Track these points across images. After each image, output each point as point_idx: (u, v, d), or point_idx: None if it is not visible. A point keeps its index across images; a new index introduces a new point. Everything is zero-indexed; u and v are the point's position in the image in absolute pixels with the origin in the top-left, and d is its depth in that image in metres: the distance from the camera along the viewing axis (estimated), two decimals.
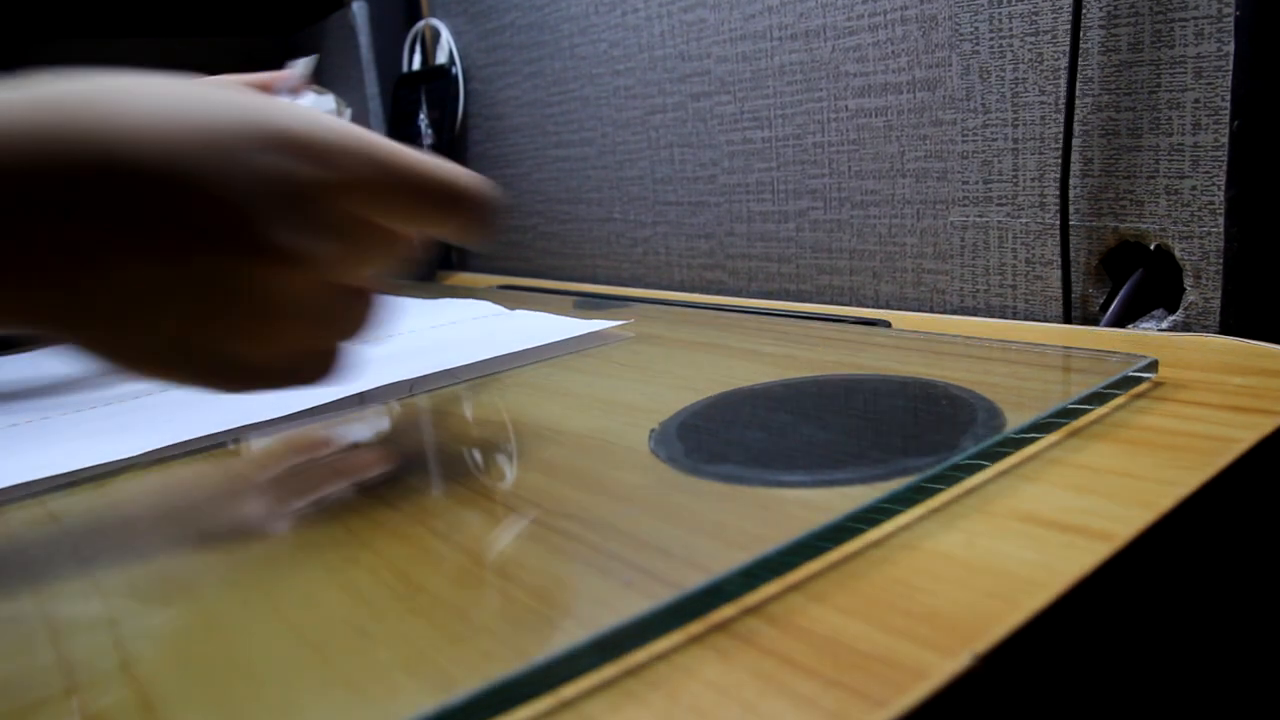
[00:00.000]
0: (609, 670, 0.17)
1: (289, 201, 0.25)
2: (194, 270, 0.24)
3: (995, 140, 0.46)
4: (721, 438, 0.29)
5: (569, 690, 0.16)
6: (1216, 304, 0.39)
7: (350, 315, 0.28)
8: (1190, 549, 0.23)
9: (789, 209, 0.59)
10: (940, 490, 0.23)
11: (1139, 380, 0.30)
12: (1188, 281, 0.40)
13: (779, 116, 0.58)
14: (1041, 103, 0.44)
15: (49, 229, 0.23)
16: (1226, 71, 0.37)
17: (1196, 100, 0.38)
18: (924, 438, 0.27)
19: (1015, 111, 0.45)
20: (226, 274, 0.24)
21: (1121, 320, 0.43)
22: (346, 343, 0.30)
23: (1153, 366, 0.31)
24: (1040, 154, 0.45)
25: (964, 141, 0.48)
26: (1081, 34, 0.41)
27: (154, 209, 0.23)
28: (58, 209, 0.23)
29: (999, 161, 0.46)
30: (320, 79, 1.02)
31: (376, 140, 0.26)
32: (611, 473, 0.27)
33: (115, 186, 0.23)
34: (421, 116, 0.90)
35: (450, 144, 0.88)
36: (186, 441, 0.33)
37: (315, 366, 0.29)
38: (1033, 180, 0.45)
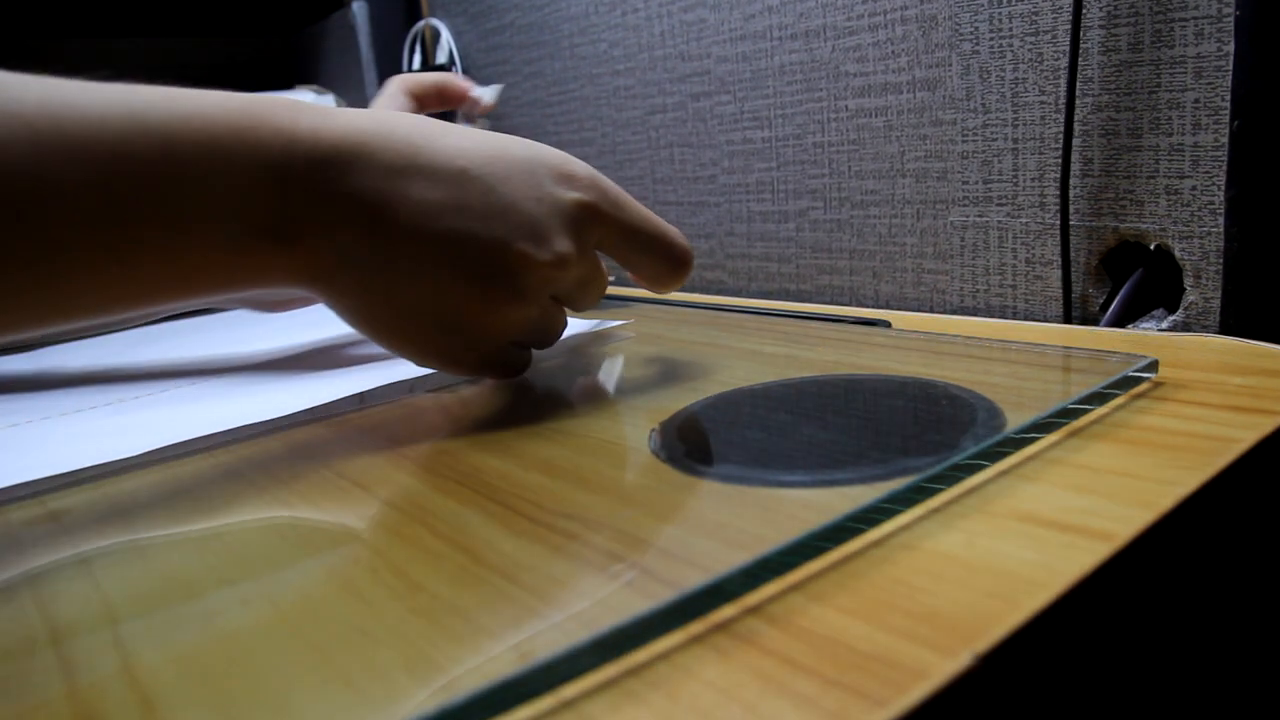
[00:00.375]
0: (609, 670, 0.17)
1: (568, 219, 0.33)
2: (487, 251, 0.31)
3: (995, 140, 0.46)
4: (721, 438, 0.29)
5: (569, 690, 0.16)
6: (1216, 304, 0.39)
7: (553, 325, 0.36)
8: (1190, 549, 0.23)
9: (789, 209, 0.59)
10: (940, 490, 0.23)
11: (1139, 380, 0.30)
12: (1188, 281, 0.40)
13: (779, 116, 0.58)
14: (1041, 103, 0.44)
15: (377, 205, 0.30)
16: (1226, 71, 0.37)
17: (1196, 100, 0.38)
18: (924, 438, 0.27)
19: (1015, 111, 0.45)
20: (513, 260, 0.31)
21: (1121, 320, 0.43)
22: (536, 348, 0.38)
23: (1153, 366, 0.31)
24: (1040, 154, 0.45)
25: (964, 141, 0.48)
26: (1081, 34, 0.41)
27: (468, 204, 0.31)
28: (386, 196, 0.30)
29: (999, 161, 0.46)
30: (320, 79, 1.02)
31: (608, 181, 0.35)
32: (611, 473, 0.27)
33: (439, 181, 0.31)
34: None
35: None
36: (186, 441, 0.33)
37: (512, 362, 0.36)
38: (1033, 180, 0.45)
